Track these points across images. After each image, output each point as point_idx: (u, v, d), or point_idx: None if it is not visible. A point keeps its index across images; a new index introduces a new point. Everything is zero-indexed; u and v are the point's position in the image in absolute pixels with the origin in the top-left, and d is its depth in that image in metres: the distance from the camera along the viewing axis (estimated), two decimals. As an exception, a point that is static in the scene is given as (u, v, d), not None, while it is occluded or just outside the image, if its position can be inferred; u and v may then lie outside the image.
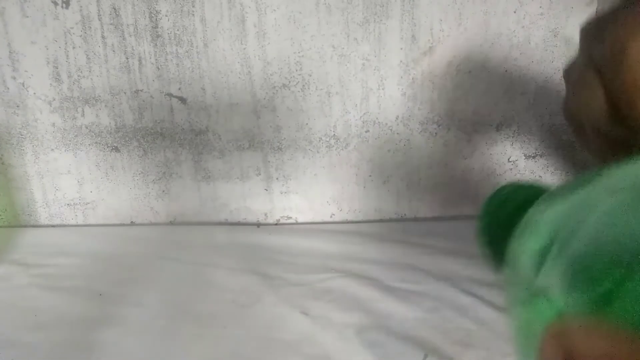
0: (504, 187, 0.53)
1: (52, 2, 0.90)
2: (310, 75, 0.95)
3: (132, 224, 1.06)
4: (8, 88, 0.96)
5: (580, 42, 0.38)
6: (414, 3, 0.90)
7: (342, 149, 1.00)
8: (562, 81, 0.41)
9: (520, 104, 0.97)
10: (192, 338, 0.72)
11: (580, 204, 0.27)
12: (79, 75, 0.95)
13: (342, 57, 0.94)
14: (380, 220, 1.06)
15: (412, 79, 0.95)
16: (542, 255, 0.28)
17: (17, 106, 0.97)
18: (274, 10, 0.91)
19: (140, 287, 0.84)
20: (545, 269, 0.27)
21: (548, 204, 0.31)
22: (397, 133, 0.99)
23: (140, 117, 0.98)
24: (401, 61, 0.94)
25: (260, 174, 1.03)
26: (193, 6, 0.91)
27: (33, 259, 0.93)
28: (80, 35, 0.92)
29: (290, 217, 1.07)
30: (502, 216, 0.47)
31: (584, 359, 0.18)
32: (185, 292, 0.83)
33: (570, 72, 0.40)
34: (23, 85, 0.96)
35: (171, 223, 1.07)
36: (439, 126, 0.99)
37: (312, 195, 1.04)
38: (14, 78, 0.95)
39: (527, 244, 0.31)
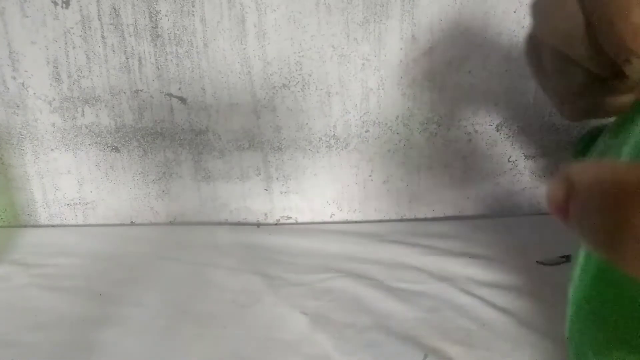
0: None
1: (52, 2, 0.90)
2: (310, 75, 0.95)
3: (132, 224, 1.06)
4: (8, 88, 0.96)
5: None
6: (414, 3, 0.90)
7: (342, 149, 1.00)
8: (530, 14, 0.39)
9: (520, 104, 0.97)
10: (192, 338, 0.72)
11: None
12: (79, 75, 0.95)
13: (342, 57, 0.94)
14: (380, 220, 1.06)
15: (412, 79, 0.95)
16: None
17: (17, 106, 0.97)
18: (274, 10, 0.91)
19: (140, 287, 0.84)
20: None
21: None
22: (397, 133, 0.99)
23: (140, 117, 0.98)
24: (401, 61, 0.94)
25: (260, 174, 1.03)
26: (193, 6, 0.91)
27: (33, 259, 0.93)
28: (80, 35, 0.92)
29: (290, 217, 1.07)
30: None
31: (579, 184, 0.21)
32: (185, 292, 0.83)
33: (540, 2, 0.38)
34: (23, 85, 0.96)
35: (171, 223, 1.07)
36: (439, 126, 0.99)
37: (312, 195, 1.04)
38: (14, 78, 0.95)
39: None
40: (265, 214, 1.06)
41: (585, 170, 0.21)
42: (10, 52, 0.93)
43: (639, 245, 0.19)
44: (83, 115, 0.98)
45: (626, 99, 0.33)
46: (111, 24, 0.92)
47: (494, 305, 0.76)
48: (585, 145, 0.58)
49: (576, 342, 0.40)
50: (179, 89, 0.96)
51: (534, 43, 0.38)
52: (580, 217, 0.21)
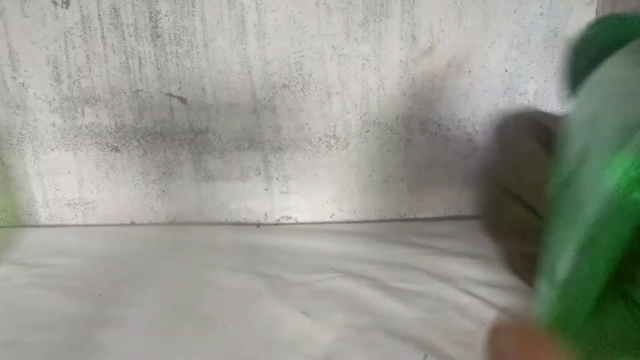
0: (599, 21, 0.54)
1: (52, 2, 0.90)
2: (310, 75, 0.95)
3: (132, 224, 1.06)
4: (8, 88, 0.96)
5: None
6: (414, 3, 0.90)
7: (342, 149, 1.00)
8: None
9: (520, 104, 0.97)
10: (192, 338, 0.72)
11: None
12: (79, 75, 0.95)
13: (342, 57, 0.94)
14: (380, 220, 1.06)
15: (412, 79, 0.95)
16: None
17: (17, 106, 0.97)
18: (274, 10, 0.91)
19: (140, 287, 0.84)
20: None
21: None
22: (397, 133, 0.99)
23: (140, 117, 0.98)
24: (401, 61, 0.94)
25: (260, 174, 1.03)
26: (193, 6, 0.91)
27: (33, 259, 0.93)
28: (80, 35, 0.92)
29: (290, 217, 1.07)
30: (591, 51, 0.49)
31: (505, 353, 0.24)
32: (185, 292, 0.83)
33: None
34: (23, 85, 0.96)
35: (171, 223, 1.07)
36: (439, 126, 0.99)
37: (312, 195, 1.04)
38: (14, 78, 0.95)
39: None
40: (265, 214, 1.06)
41: (510, 341, 0.23)
42: (10, 52, 0.93)
43: None
44: (83, 115, 0.98)
45: None
46: (111, 24, 0.92)
47: (494, 305, 0.76)
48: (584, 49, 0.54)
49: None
50: (179, 89, 0.96)
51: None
52: None
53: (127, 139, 1.00)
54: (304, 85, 0.95)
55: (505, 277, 0.83)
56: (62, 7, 0.91)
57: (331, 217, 1.06)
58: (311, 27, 0.92)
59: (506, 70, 0.95)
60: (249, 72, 0.95)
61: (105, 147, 1.00)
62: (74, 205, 1.05)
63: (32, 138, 0.99)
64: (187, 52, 0.93)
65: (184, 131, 0.99)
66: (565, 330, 0.33)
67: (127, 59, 0.94)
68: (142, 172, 1.02)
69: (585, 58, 0.49)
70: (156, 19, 0.91)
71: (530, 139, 0.38)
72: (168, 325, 0.74)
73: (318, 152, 1.00)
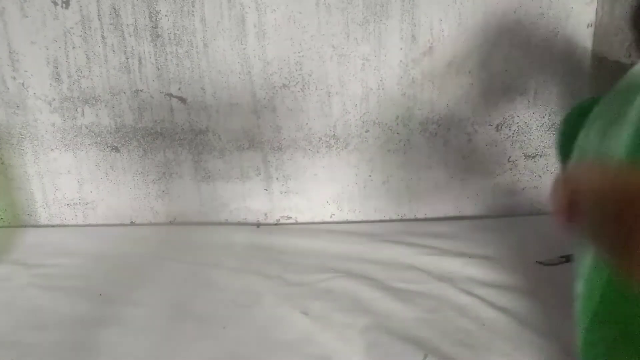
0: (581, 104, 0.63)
1: (52, 2, 0.90)
2: (310, 75, 0.95)
3: (132, 224, 1.06)
4: (8, 88, 0.96)
5: None
6: (414, 3, 0.90)
7: (342, 149, 1.00)
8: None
9: (520, 104, 0.97)
10: (192, 338, 0.72)
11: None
12: (79, 75, 0.95)
13: (342, 57, 0.94)
14: (380, 220, 1.06)
15: (412, 79, 0.95)
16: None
17: (17, 106, 0.97)
18: (274, 10, 0.91)
19: (140, 287, 0.84)
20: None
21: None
22: (397, 133, 0.99)
23: (140, 117, 0.98)
24: (401, 61, 0.94)
25: (260, 174, 1.03)
26: (193, 6, 0.91)
27: (33, 259, 0.93)
28: (80, 35, 0.92)
29: (290, 217, 1.07)
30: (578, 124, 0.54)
31: (582, 190, 0.21)
32: (185, 292, 0.83)
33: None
34: (23, 85, 0.96)
35: (171, 223, 1.07)
36: (439, 126, 0.99)
37: (312, 195, 1.04)
38: (14, 78, 0.95)
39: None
40: (265, 214, 1.06)
41: (589, 175, 0.21)
42: (10, 52, 0.93)
43: None
44: (83, 115, 0.98)
45: None
46: (111, 24, 0.92)
47: (494, 305, 0.76)
48: (571, 126, 0.61)
49: (589, 354, 0.40)
50: (179, 89, 0.96)
51: None
52: (583, 223, 0.21)
53: (127, 139, 1.00)
54: (304, 85, 0.95)
55: (505, 277, 0.83)
56: (62, 7, 0.91)
57: (331, 217, 1.06)
58: (311, 27, 0.92)
59: (506, 70, 0.95)
60: (249, 72, 0.95)
61: (105, 147, 1.00)
62: (74, 205, 1.05)
63: (32, 138, 0.99)
64: (187, 52, 0.93)
65: (184, 131, 0.99)
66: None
67: (127, 59, 0.94)
68: (142, 172, 1.02)
69: (572, 135, 0.54)
70: (156, 19, 0.91)
71: None
72: (168, 325, 0.74)
73: (318, 152, 1.00)
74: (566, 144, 0.62)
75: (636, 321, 0.34)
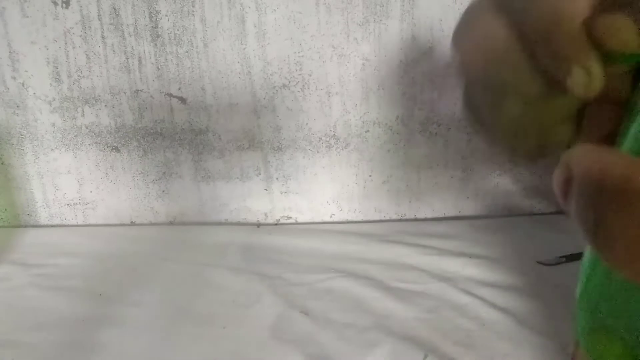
0: None
1: (52, 2, 0.90)
2: (310, 75, 0.95)
3: (132, 224, 1.06)
4: (8, 88, 0.96)
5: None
6: (414, 3, 0.90)
7: (342, 149, 1.00)
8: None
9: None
10: (192, 338, 0.72)
11: None
12: (79, 75, 0.95)
13: (342, 57, 0.94)
14: (380, 220, 1.06)
15: (412, 79, 0.95)
16: None
17: (17, 106, 0.97)
18: (274, 10, 0.91)
19: (140, 287, 0.84)
20: None
21: None
22: (397, 133, 0.99)
23: (140, 117, 0.98)
24: (401, 61, 0.94)
25: (260, 174, 1.03)
26: (193, 6, 0.91)
27: (33, 259, 0.93)
28: (80, 35, 0.92)
29: (290, 217, 1.07)
30: None
31: (576, 171, 0.21)
32: (185, 292, 0.83)
33: (459, 30, 0.32)
34: (23, 85, 0.96)
35: (171, 223, 1.07)
36: (439, 126, 0.99)
37: (312, 195, 1.04)
38: (14, 78, 0.95)
39: None
40: (265, 214, 1.06)
41: (584, 156, 0.21)
42: (10, 52, 0.93)
43: (626, 240, 0.19)
44: (83, 115, 0.98)
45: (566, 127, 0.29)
46: (111, 24, 0.92)
47: (494, 305, 0.76)
48: None
49: (588, 346, 0.40)
50: (179, 89, 0.96)
51: (463, 83, 0.33)
52: (575, 204, 0.21)
53: (127, 139, 1.00)
54: (304, 85, 0.95)
55: (505, 277, 0.83)
56: (62, 7, 0.91)
57: (331, 217, 1.06)
58: (311, 27, 0.92)
59: (506, 70, 0.95)
60: (249, 72, 0.95)
61: (105, 147, 1.00)
62: (74, 205, 1.05)
63: (32, 138, 0.99)
64: (187, 52, 0.93)
65: (184, 131, 0.99)
66: None
67: (127, 59, 0.94)
68: (142, 172, 1.02)
69: None
70: (156, 19, 0.91)
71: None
72: (168, 325, 0.74)
73: (318, 152, 1.00)
74: None
75: (636, 310, 0.34)
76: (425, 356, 0.66)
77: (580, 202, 0.21)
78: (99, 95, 0.96)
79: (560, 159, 0.23)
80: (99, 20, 0.91)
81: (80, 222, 1.06)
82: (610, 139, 0.29)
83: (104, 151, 1.01)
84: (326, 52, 0.94)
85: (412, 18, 0.91)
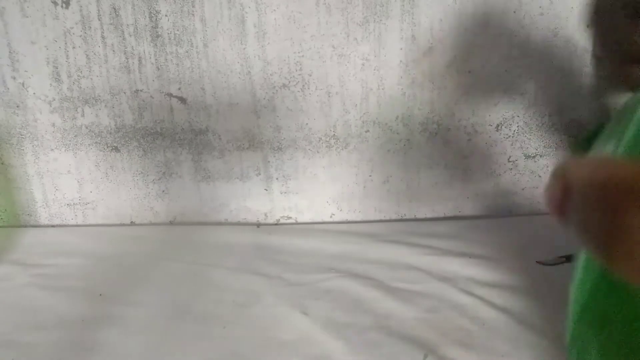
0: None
1: (52, 2, 0.90)
2: (310, 75, 0.95)
3: (132, 224, 1.06)
4: (8, 88, 0.96)
5: None
6: (414, 3, 0.90)
7: (342, 149, 1.00)
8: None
9: (520, 104, 0.97)
10: (192, 338, 0.72)
11: None
12: (79, 75, 0.95)
13: (342, 57, 0.94)
14: (380, 220, 1.06)
15: (412, 79, 0.95)
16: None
17: (17, 106, 0.97)
18: (274, 10, 0.91)
19: (140, 287, 0.84)
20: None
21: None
22: (397, 133, 0.99)
23: (140, 117, 0.98)
24: (401, 61, 0.94)
25: (260, 174, 1.03)
26: (193, 6, 0.91)
27: (33, 259, 0.93)
28: (80, 35, 0.92)
29: (290, 217, 1.07)
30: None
31: (574, 181, 0.21)
32: (185, 292, 0.83)
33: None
34: (23, 85, 0.96)
35: (171, 223, 1.07)
36: (439, 126, 0.99)
37: (312, 195, 1.04)
38: (14, 78, 0.95)
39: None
40: (265, 214, 1.06)
41: (581, 167, 0.22)
42: (10, 52, 0.93)
43: (628, 245, 0.19)
44: (83, 115, 0.98)
45: None
46: (111, 24, 0.92)
47: (494, 305, 0.76)
48: (587, 142, 0.62)
49: (579, 344, 0.40)
50: (179, 89, 0.96)
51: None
52: (574, 215, 0.21)
53: (127, 139, 1.00)
54: (304, 85, 0.95)
55: (505, 277, 0.83)
56: (62, 7, 0.91)
57: (331, 217, 1.06)
58: (311, 27, 0.92)
59: (506, 70, 0.95)
60: (249, 72, 0.95)
61: (105, 147, 1.00)
62: (74, 205, 1.05)
63: (32, 138, 0.99)
64: (187, 52, 0.93)
65: (184, 131, 0.99)
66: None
67: (127, 59, 0.94)
68: (142, 172, 1.02)
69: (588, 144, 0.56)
70: (156, 19, 0.91)
71: None
72: (168, 325, 0.74)
73: (318, 152, 1.00)
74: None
75: (627, 309, 0.35)
76: (425, 356, 0.66)
77: (583, 209, 0.21)
78: (99, 95, 0.96)
79: (551, 173, 0.24)
80: (99, 20, 0.91)
81: (80, 222, 1.06)
82: None
83: (103, 151, 1.01)
84: (326, 52, 0.93)
85: (412, 18, 0.91)
